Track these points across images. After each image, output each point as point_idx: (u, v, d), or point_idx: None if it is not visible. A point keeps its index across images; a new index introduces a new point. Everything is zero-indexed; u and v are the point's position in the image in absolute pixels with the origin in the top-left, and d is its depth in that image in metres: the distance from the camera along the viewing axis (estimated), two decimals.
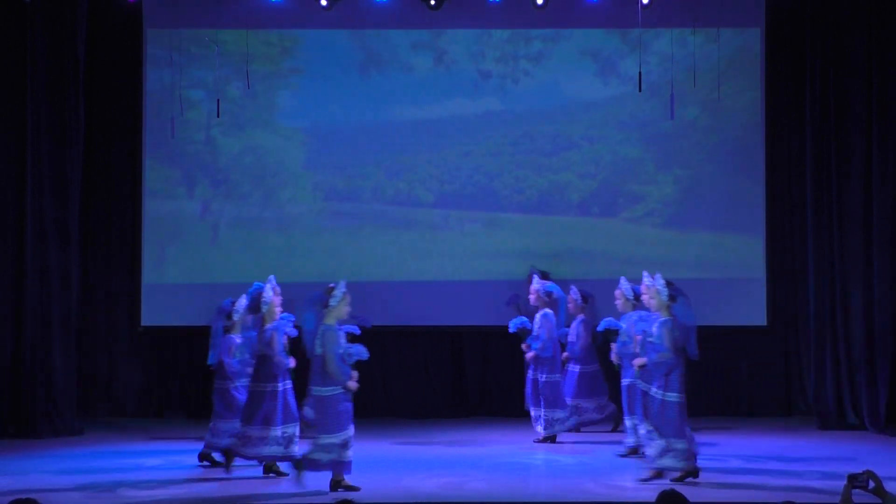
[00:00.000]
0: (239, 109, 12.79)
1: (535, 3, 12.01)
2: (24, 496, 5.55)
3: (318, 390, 8.69)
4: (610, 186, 12.91)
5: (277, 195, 13.03)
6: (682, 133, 12.69)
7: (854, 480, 6.32)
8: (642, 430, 9.23)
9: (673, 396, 8.96)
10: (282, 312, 9.40)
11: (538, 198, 13.01)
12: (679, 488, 5.63)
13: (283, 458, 9.13)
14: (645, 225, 12.80)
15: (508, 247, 12.93)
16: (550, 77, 12.99)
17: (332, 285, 8.87)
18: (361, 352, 8.72)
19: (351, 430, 8.75)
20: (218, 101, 11.26)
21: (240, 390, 9.70)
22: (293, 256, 12.82)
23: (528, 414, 12.51)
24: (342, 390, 8.71)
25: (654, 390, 9.02)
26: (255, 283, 9.63)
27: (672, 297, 9.12)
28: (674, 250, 12.66)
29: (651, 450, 9.02)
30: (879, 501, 5.94)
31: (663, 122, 12.53)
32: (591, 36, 12.82)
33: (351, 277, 12.51)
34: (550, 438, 11.03)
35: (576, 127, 12.95)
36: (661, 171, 12.76)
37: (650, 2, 11.55)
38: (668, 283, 9.25)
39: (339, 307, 8.78)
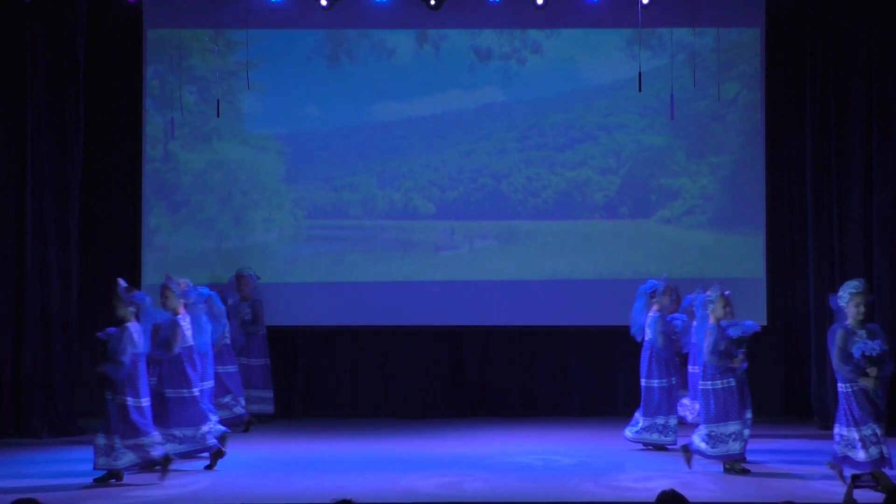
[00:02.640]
0: (199, 119, 12.18)
1: (534, 2, 11.97)
2: (24, 496, 5.55)
3: (845, 387, 8.77)
4: (636, 181, 12.50)
5: (250, 215, 12.41)
6: (680, 133, 12.66)
7: (857, 480, 6.34)
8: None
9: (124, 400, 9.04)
10: None
11: (556, 200, 12.53)
12: (678, 489, 5.62)
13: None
14: (638, 223, 12.57)
15: (529, 269, 12.36)
16: (561, 54, 12.39)
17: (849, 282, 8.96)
18: (874, 348, 8.69)
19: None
20: (218, 101, 11.24)
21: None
22: (294, 255, 12.56)
23: (526, 414, 12.57)
24: (858, 386, 8.71)
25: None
26: (650, 280, 10.52)
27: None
28: (673, 250, 12.64)
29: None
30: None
31: (661, 121, 12.48)
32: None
33: (349, 278, 12.58)
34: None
35: (590, 115, 12.45)
36: (661, 172, 12.71)
37: (650, 1, 11.54)
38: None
39: (849, 307, 8.81)
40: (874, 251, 11.72)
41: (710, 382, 9.46)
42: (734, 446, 9.31)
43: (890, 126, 11.72)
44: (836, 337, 8.73)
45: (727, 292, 9.80)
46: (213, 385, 10.58)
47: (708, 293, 9.66)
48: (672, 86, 11.47)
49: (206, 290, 10.49)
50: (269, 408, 12.06)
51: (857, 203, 11.82)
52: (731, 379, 9.41)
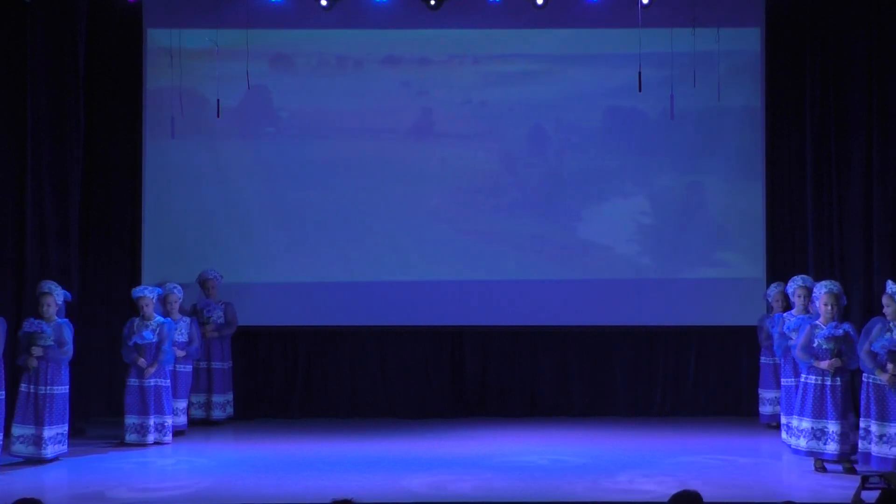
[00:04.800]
0: (198, 119, 12.19)
1: (534, 2, 11.98)
2: (26, 496, 5.56)
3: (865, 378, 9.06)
4: (637, 181, 12.59)
5: (248, 216, 12.47)
6: (681, 133, 12.64)
7: (866, 481, 6.34)
8: None
9: None
10: None
11: (558, 200, 12.52)
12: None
13: None
14: (638, 223, 12.62)
15: (530, 269, 12.44)
16: (561, 53, 12.45)
17: None
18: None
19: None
20: (218, 101, 11.24)
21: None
22: (294, 254, 12.63)
23: (527, 414, 12.56)
24: (873, 380, 8.95)
25: None
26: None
27: None
28: (673, 250, 12.64)
29: None
30: None
31: (661, 121, 12.46)
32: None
33: (350, 278, 12.58)
34: None
35: (590, 114, 12.51)
36: (662, 172, 12.71)
37: (650, 2, 11.55)
38: None
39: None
40: (874, 251, 11.72)
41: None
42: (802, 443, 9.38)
43: (890, 126, 11.72)
44: (872, 329, 8.80)
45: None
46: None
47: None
48: (672, 86, 11.46)
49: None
50: (230, 411, 12.15)
51: (857, 203, 11.82)
52: (811, 376, 9.38)
